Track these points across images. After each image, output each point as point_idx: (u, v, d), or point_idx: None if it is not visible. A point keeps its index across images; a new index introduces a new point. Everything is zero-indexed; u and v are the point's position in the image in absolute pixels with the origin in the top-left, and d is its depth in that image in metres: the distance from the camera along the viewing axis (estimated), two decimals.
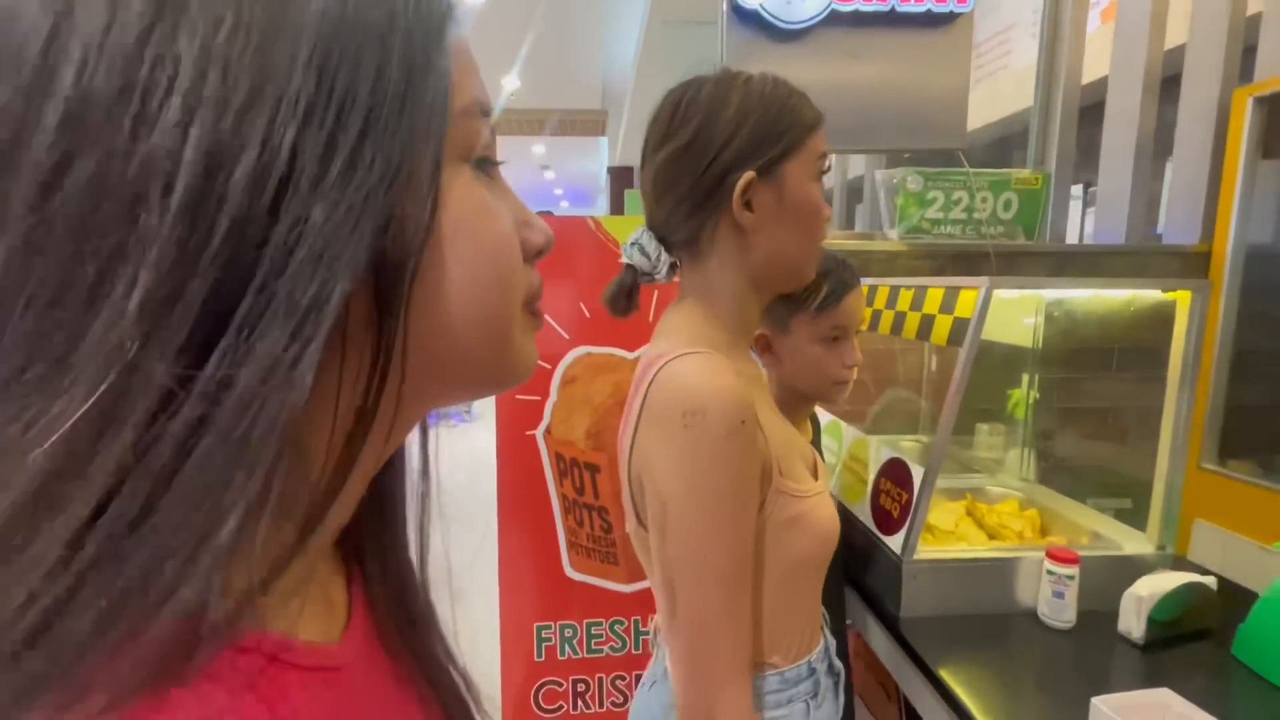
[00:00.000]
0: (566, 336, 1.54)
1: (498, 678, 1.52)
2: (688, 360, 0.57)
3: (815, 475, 0.68)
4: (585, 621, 1.56)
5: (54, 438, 0.17)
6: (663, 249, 0.62)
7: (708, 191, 0.59)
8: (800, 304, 0.76)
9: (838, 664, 0.71)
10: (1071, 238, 1.90)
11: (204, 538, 0.18)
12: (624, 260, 0.63)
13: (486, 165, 0.28)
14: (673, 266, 0.63)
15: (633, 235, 0.63)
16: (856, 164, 3.65)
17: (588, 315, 1.55)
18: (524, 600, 1.54)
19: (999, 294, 0.87)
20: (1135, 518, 1.00)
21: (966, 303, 0.87)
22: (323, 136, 0.20)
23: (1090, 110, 1.71)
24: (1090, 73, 1.66)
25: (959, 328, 0.87)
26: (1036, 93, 1.61)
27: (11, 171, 0.17)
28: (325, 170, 0.20)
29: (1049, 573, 0.86)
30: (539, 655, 1.54)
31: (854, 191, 3.84)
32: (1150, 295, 0.95)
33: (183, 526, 0.18)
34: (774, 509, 0.60)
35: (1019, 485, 1.23)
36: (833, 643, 0.72)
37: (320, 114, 0.20)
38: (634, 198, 4.50)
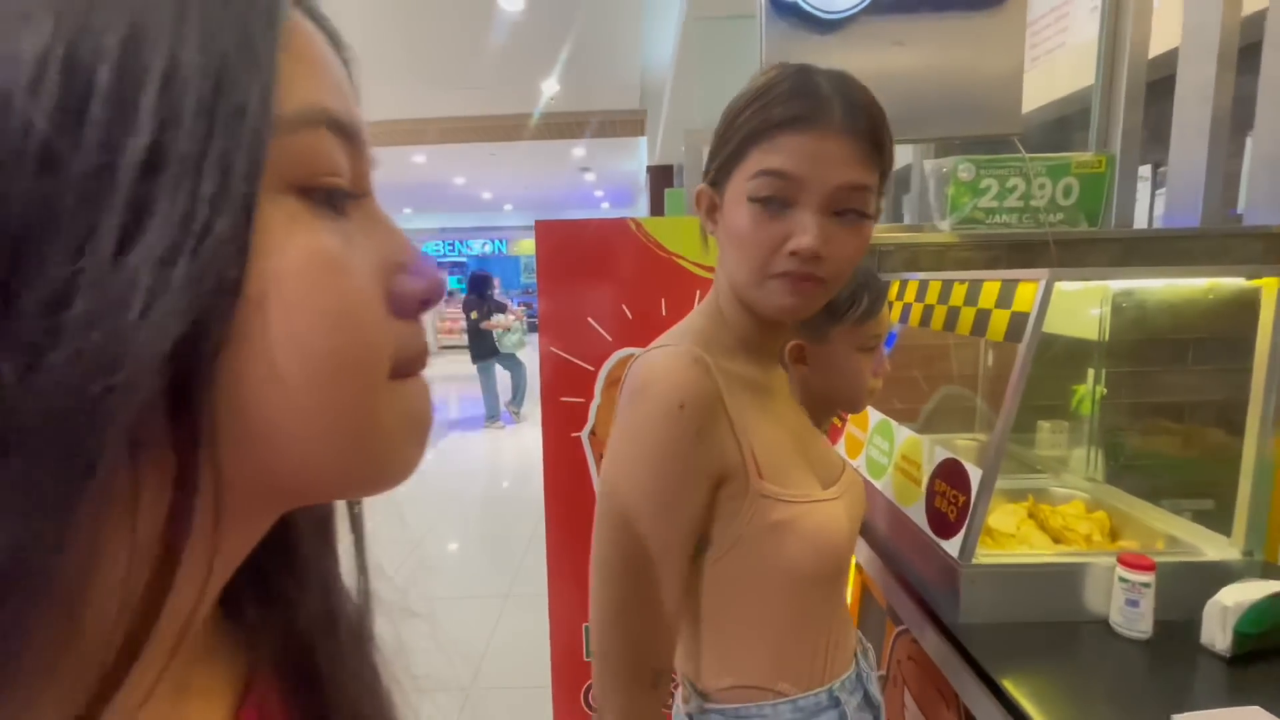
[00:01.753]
0: (609, 338, 1.54)
1: (548, 677, 1.54)
2: (657, 351, 0.58)
3: (832, 483, 0.64)
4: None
5: None
6: None
7: (715, 172, 0.61)
8: (840, 315, 0.77)
9: (877, 697, 0.68)
10: (1140, 222, 1.79)
11: None
12: None
13: (339, 198, 0.21)
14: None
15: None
16: (902, 154, 3.54)
17: (630, 317, 1.55)
18: (573, 599, 1.55)
19: (1061, 285, 0.83)
20: (1217, 521, 0.94)
21: (1025, 296, 0.83)
22: (80, 171, 0.14)
23: (1156, 86, 1.61)
24: (1156, 46, 1.56)
25: (1017, 323, 0.83)
26: (1098, 69, 1.52)
27: None
28: (83, 225, 0.14)
29: (1122, 580, 0.82)
30: (588, 654, 1.56)
31: (901, 182, 3.72)
32: (1231, 284, 0.88)
33: None
34: (753, 513, 0.57)
35: (1085, 485, 1.17)
36: (871, 673, 0.69)
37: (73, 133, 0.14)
38: (674, 197, 4.48)
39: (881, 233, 1.52)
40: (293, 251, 0.18)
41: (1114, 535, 1.01)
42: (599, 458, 1.54)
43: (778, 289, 0.55)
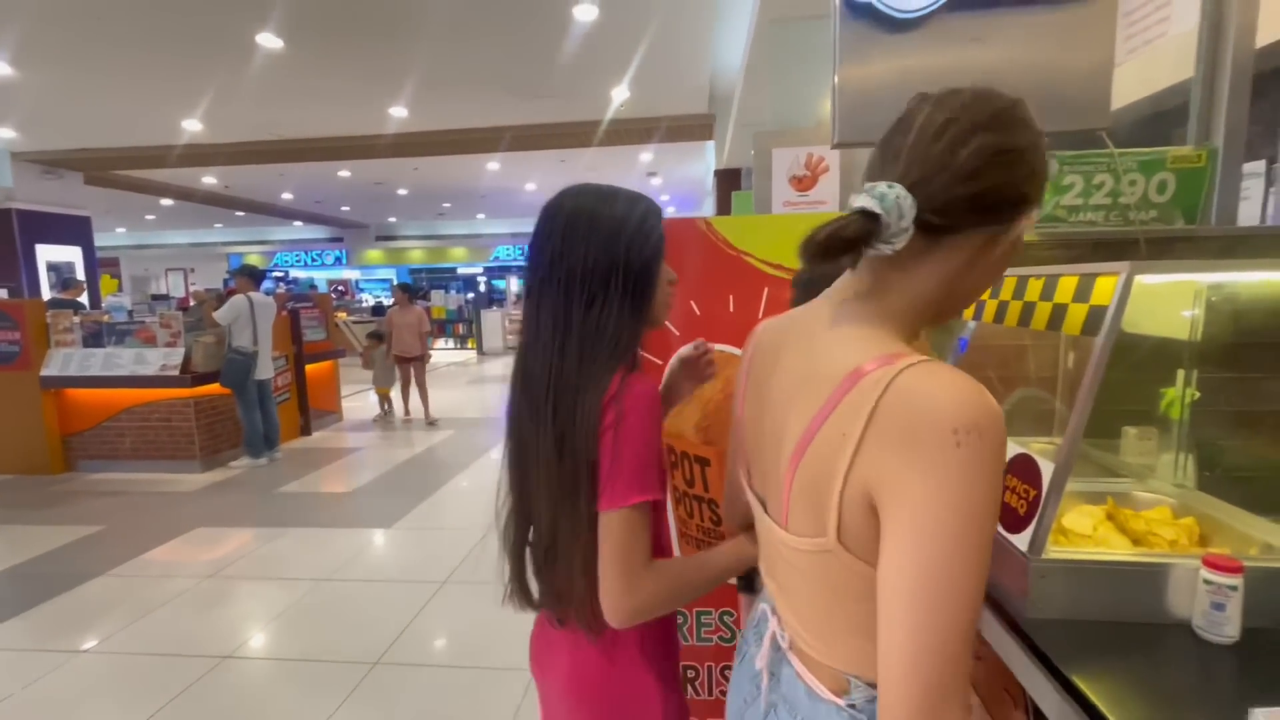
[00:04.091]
0: (677, 333, 1.59)
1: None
2: (933, 371, 0.54)
3: None
4: (695, 610, 1.60)
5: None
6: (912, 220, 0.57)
7: (1000, 203, 0.58)
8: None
9: None
10: (1252, 221, 1.68)
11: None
12: (869, 206, 0.56)
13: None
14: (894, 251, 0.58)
15: (882, 187, 0.57)
16: None
17: (698, 313, 1.59)
18: None
19: (1146, 281, 0.81)
20: None
21: (1104, 290, 0.82)
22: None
23: (1264, 79, 1.51)
24: (1264, 35, 1.47)
25: (1095, 316, 0.82)
26: (1199, 60, 1.45)
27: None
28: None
29: (1206, 581, 0.79)
30: None
31: None
32: None
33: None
34: None
35: (1173, 492, 1.12)
36: None
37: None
38: (742, 200, 4.48)
39: None
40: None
41: (1203, 542, 0.97)
42: (666, 449, 1.59)
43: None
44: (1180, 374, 1.15)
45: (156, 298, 13.17)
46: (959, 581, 0.52)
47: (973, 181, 0.57)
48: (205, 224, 17.84)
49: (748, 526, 0.92)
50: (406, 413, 6.95)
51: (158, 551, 3.65)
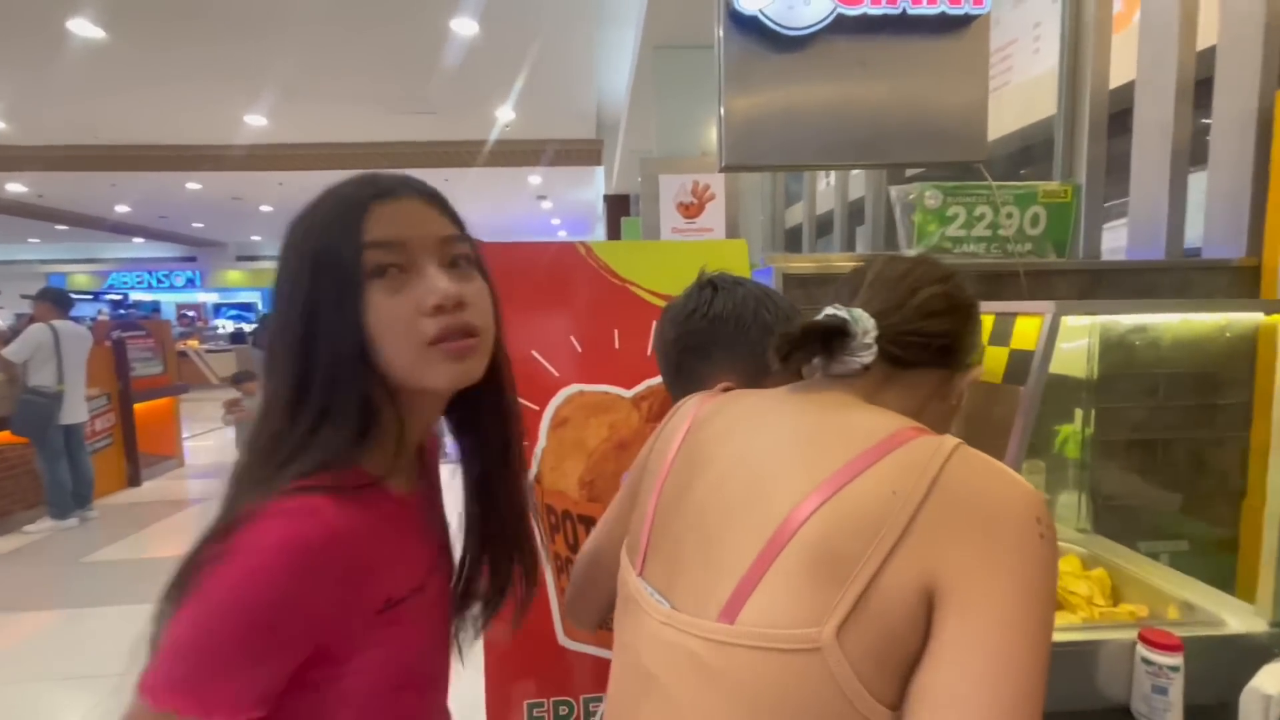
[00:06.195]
0: (556, 374, 1.39)
1: None
2: (983, 456, 0.51)
3: None
4: (582, 697, 1.38)
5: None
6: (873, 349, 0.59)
7: (954, 347, 0.62)
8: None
9: None
10: (1114, 254, 1.77)
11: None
12: (840, 315, 0.59)
13: (392, 272, 0.51)
14: (864, 367, 0.59)
15: (856, 312, 0.60)
16: (857, 184, 3.56)
17: (579, 350, 1.41)
18: (513, 673, 1.36)
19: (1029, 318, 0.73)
20: (1188, 562, 0.85)
21: (1026, 333, 0.72)
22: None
23: (1116, 119, 1.60)
24: (1116, 77, 1.55)
25: (1018, 362, 0.72)
26: (1061, 99, 1.49)
27: None
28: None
29: (1145, 661, 0.70)
30: None
31: (855, 214, 3.75)
32: (1246, 319, 0.81)
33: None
34: None
35: (1077, 538, 1.07)
36: None
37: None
38: (630, 226, 4.41)
39: (840, 262, 1.43)
40: (369, 303, 0.50)
41: (1116, 598, 0.91)
42: (545, 509, 1.37)
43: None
44: (1079, 412, 1.12)
45: None
46: (1036, 683, 0.44)
47: (931, 320, 0.60)
48: (16, 238, 15.30)
49: (586, 623, 0.78)
50: None
51: None
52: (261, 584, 0.44)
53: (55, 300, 4.38)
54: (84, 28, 4.47)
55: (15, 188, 9.85)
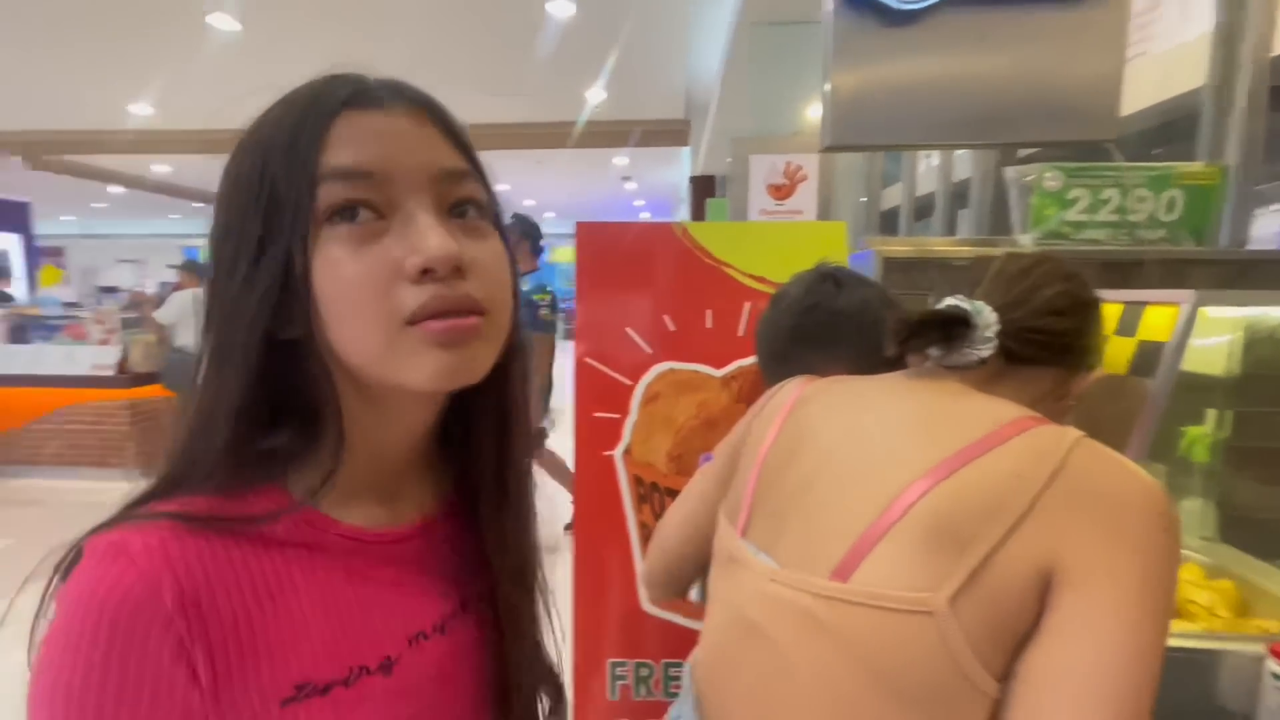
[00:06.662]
0: (649, 350, 1.44)
1: (570, 713, 1.43)
2: (1103, 446, 0.52)
3: None
4: (663, 661, 1.44)
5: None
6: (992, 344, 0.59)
7: (1073, 347, 0.62)
8: None
9: None
10: (1263, 244, 1.60)
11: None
12: (963, 306, 0.59)
13: (353, 213, 0.34)
14: (980, 361, 0.59)
15: (979, 305, 0.60)
16: (962, 165, 3.36)
17: (672, 328, 1.44)
18: (599, 633, 1.44)
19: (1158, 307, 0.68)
20: None
21: (1157, 324, 0.69)
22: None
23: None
24: None
25: (1146, 354, 0.69)
26: (1211, 69, 1.35)
27: None
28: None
29: (1275, 676, 0.66)
30: (613, 694, 1.44)
31: (958, 196, 3.54)
32: None
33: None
34: None
35: (1199, 545, 1.00)
36: None
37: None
38: (716, 207, 4.37)
39: (940, 247, 1.38)
40: (321, 257, 0.34)
41: (1243, 610, 0.85)
42: (633, 480, 1.43)
43: None
44: (1211, 414, 1.04)
45: (105, 290, 12.53)
46: (1150, 668, 0.45)
47: (1053, 318, 0.59)
48: (159, 214, 17.08)
49: (675, 589, 0.80)
50: None
51: None
52: (70, 664, 0.30)
53: (198, 270, 4.90)
54: (223, 21, 4.89)
55: (160, 169, 10.98)
